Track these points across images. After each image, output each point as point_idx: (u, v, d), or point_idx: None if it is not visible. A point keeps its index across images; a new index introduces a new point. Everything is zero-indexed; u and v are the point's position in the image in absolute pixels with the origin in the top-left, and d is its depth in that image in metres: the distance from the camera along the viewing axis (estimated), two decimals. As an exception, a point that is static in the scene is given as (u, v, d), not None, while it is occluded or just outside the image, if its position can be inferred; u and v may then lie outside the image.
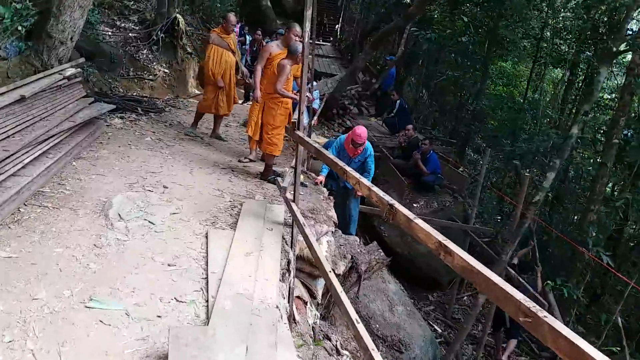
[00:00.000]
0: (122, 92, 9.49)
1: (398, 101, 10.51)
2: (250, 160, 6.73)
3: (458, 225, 8.42)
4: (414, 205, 8.72)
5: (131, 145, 6.38)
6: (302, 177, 6.27)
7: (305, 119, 6.08)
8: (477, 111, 13.94)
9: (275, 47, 6.31)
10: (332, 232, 5.34)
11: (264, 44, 9.76)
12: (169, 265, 3.56)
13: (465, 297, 9.49)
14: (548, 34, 14.85)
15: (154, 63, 10.63)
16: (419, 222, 2.10)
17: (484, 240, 8.70)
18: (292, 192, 4.24)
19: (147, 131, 7.33)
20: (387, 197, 2.41)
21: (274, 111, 5.69)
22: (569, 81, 17.23)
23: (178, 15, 10.96)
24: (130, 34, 10.43)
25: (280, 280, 3.72)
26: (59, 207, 4.14)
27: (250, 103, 6.54)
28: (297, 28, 6.24)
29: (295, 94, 5.73)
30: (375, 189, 2.61)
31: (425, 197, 8.99)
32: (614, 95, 18.30)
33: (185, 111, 9.45)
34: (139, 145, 6.46)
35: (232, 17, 7.25)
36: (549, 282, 7.06)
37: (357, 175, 2.87)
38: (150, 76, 10.41)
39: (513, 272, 6.97)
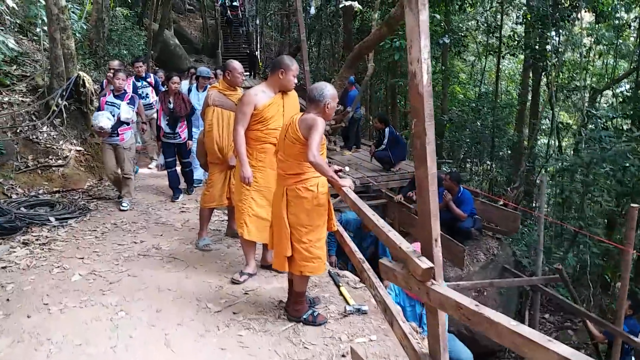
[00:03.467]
0: (21, 193, 6.67)
1: (387, 129, 8.38)
2: (250, 275, 4.27)
3: (526, 281, 6.32)
4: (456, 262, 6.53)
5: (49, 304, 3.73)
6: (348, 296, 3.90)
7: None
8: (452, 119, 12.16)
9: (260, 95, 3.95)
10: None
11: (183, 95, 6.73)
12: None
13: None
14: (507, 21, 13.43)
15: (61, 142, 7.83)
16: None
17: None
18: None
19: (71, 259, 4.67)
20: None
21: (306, 202, 3.24)
22: (524, 69, 16.00)
23: (81, 73, 8.24)
24: (20, 110, 7.61)
25: None
26: None
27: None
28: (295, 65, 3.92)
29: (336, 172, 3.35)
30: None
31: (465, 247, 6.83)
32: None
33: (117, 200, 6.77)
34: (62, 298, 3.83)
35: (236, 64, 4.80)
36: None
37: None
38: (59, 160, 7.60)
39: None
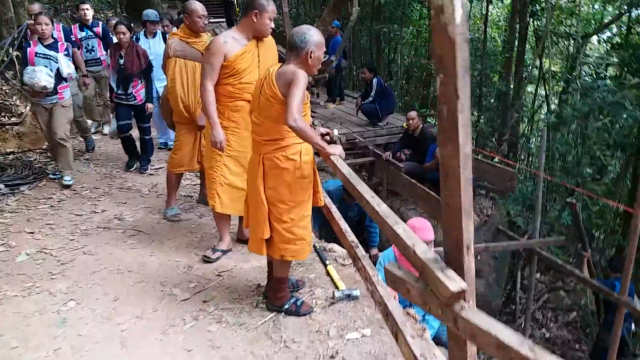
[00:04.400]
0: (-30, 156, 5.97)
1: (375, 80, 7.72)
2: (224, 252, 3.75)
3: (523, 244, 5.93)
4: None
5: (-14, 294, 3.17)
6: (337, 278, 3.41)
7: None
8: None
9: (231, 42, 3.30)
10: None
11: (138, 47, 5.43)
12: None
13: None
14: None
15: (15, 97, 7.05)
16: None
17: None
18: None
19: (19, 234, 4.09)
20: None
21: (287, 174, 2.67)
22: (512, 14, 15.19)
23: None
24: (-36, 61, 6.77)
25: None
26: None
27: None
28: (272, 5, 3.28)
29: (322, 136, 2.77)
30: None
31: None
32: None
33: (79, 162, 6.10)
34: (2, 285, 3.27)
35: (195, 5, 4.03)
36: None
37: None
38: (14, 118, 6.86)
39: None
